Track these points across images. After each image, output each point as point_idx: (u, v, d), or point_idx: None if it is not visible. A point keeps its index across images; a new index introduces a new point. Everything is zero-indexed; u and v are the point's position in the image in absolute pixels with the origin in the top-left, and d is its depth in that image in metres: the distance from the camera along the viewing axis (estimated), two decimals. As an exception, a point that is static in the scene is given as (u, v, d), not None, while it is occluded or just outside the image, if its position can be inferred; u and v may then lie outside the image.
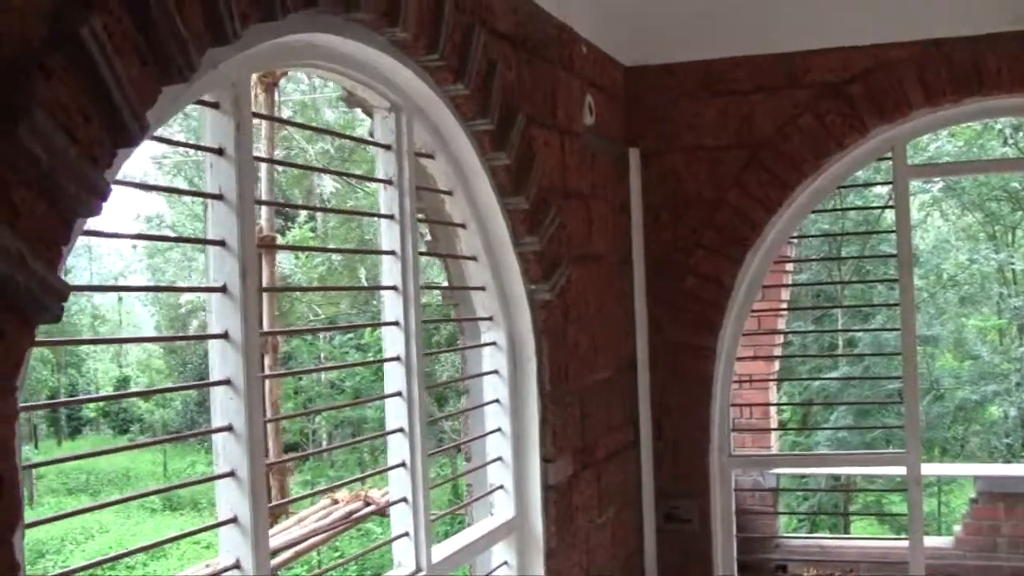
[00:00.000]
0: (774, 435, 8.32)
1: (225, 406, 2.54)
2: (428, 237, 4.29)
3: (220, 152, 2.53)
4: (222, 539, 2.54)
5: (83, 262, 48.15)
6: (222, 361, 2.55)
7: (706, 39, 5.21)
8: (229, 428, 2.53)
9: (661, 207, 5.40)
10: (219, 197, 2.53)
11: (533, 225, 4.03)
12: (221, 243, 2.53)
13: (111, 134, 1.88)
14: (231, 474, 2.53)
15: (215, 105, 2.51)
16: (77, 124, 1.79)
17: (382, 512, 5.39)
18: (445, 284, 4.30)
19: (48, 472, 34.03)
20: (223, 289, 2.53)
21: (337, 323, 24.68)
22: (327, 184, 24.48)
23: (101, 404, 40.82)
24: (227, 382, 2.53)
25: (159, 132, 2.31)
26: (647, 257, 5.40)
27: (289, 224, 27.32)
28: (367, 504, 5.20)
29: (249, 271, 2.54)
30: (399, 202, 3.44)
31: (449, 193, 3.93)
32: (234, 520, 2.52)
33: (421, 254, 3.58)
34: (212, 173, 2.55)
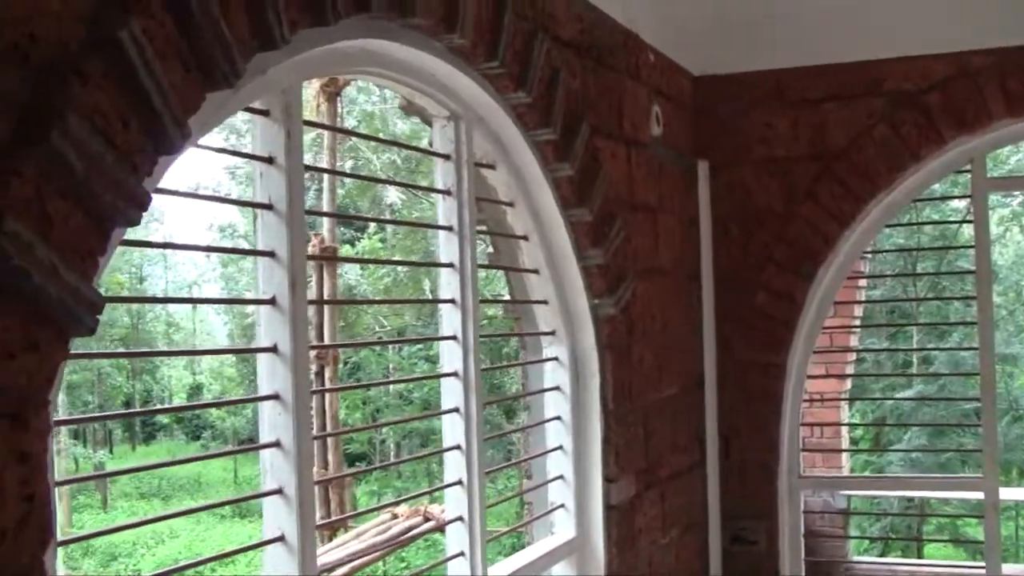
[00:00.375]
0: (845, 455, 8.09)
1: (273, 421, 2.47)
2: (490, 249, 4.21)
3: (270, 161, 2.46)
4: (268, 558, 2.46)
5: (159, 270, 49.04)
6: (270, 375, 2.48)
7: (777, 47, 5.06)
8: (277, 444, 2.46)
9: (730, 220, 5.26)
10: (268, 207, 2.46)
11: (597, 238, 3.93)
12: (271, 254, 2.46)
13: (152, 141, 1.81)
14: (279, 491, 2.45)
15: (265, 113, 2.44)
16: (115, 130, 1.72)
17: (441, 528, 5.31)
18: (505, 297, 4.20)
19: (122, 477, 34.59)
20: (272, 301, 2.46)
21: (404, 335, 24.77)
22: (391, 195, 24.52)
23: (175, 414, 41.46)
24: (275, 397, 2.46)
25: (209, 140, 2.24)
26: (716, 272, 5.26)
27: (359, 235, 27.47)
28: (427, 519, 5.12)
29: (298, 282, 2.47)
30: (458, 213, 3.36)
31: (511, 204, 3.84)
32: (281, 539, 2.44)
33: (480, 266, 3.49)
34: (262, 182, 2.48)
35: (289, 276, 2.45)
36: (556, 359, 4.08)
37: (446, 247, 3.39)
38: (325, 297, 9.89)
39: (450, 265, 3.37)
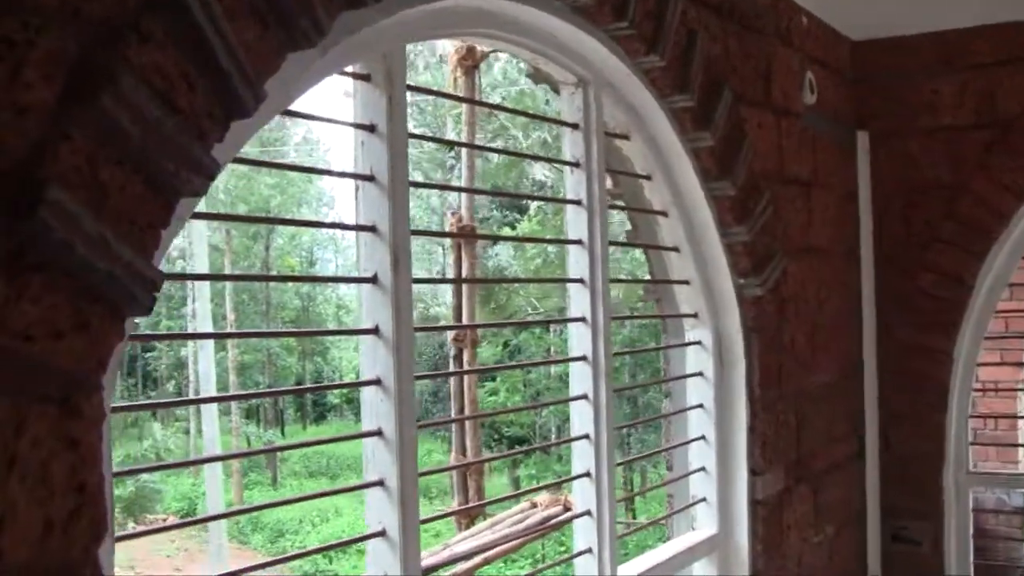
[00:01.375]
0: (1022, 450, 7.52)
1: (375, 408, 2.32)
2: (628, 226, 3.99)
3: (371, 129, 2.30)
4: (370, 553, 2.32)
5: (329, 254, 50.33)
6: (372, 358, 2.32)
7: (942, 7, 4.62)
8: (378, 433, 2.31)
9: (893, 195, 4.87)
10: (370, 178, 2.30)
11: (742, 213, 3.65)
12: (371, 229, 2.30)
13: (221, 104, 1.67)
14: (379, 483, 2.30)
15: (366, 77, 2.28)
16: (178, 93, 1.58)
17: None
18: (634, 277, 3.97)
19: (292, 455, 35.55)
20: (373, 279, 2.31)
21: (556, 316, 24.59)
22: (538, 172, 24.22)
23: (344, 392, 42.53)
24: (376, 382, 2.31)
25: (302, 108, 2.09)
26: (876, 251, 4.88)
27: (519, 217, 27.40)
28: (566, 509, 4.92)
29: (401, 260, 2.31)
30: (587, 186, 3.15)
31: (647, 177, 3.60)
32: (382, 533, 2.29)
33: (612, 243, 3.27)
34: (363, 152, 2.32)
35: (391, 252, 2.29)
36: (699, 343, 3.84)
37: (574, 223, 3.19)
38: (464, 276, 9.74)
39: (578, 242, 3.16)
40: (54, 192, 1.39)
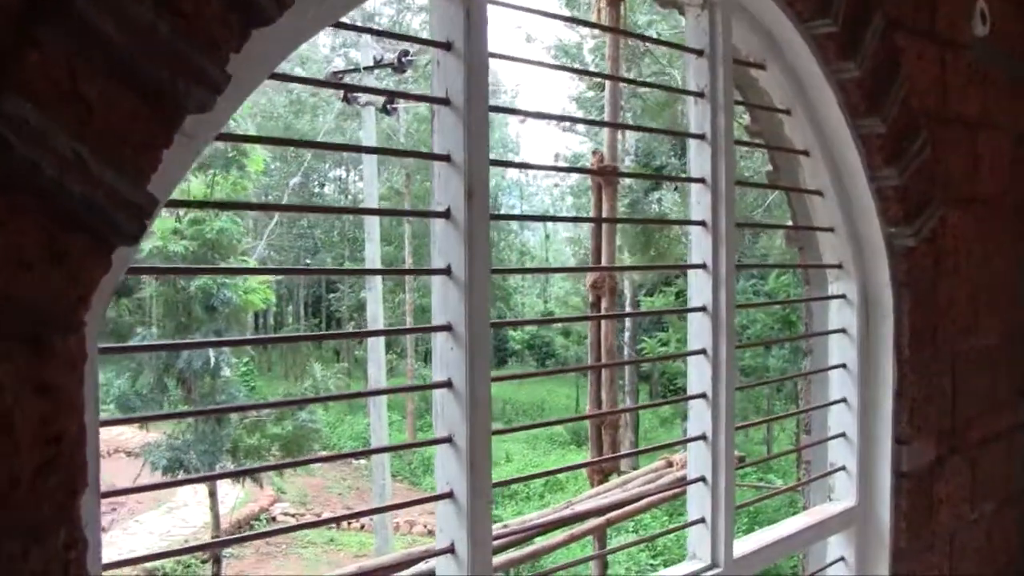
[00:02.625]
0: None
1: (445, 357, 2.11)
2: (768, 167, 3.65)
3: (448, 47, 2.07)
4: (439, 518, 2.12)
5: (513, 200, 50.64)
6: (443, 303, 2.11)
7: None
8: (448, 384, 2.10)
9: (1079, 138, 4.35)
10: (445, 101, 2.08)
11: (893, 154, 3.27)
12: (446, 158, 2.08)
13: (238, 10, 1.47)
14: (448, 440, 2.10)
15: (439, -12, 2.05)
16: (181, -6, 1.39)
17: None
18: (764, 222, 3.63)
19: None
20: (446, 214, 2.09)
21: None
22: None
23: (526, 337, 42.77)
24: (447, 328, 2.10)
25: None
26: (1057, 200, 4.38)
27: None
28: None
29: (477, 192, 2.08)
30: (711, 119, 2.85)
31: (787, 112, 3.27)
32: (450, 495, 2.09)
33: (739, 183, 2.96)
34: (438, 73, 2.10)
35: (466, 184, 2.06)
36: (843, 296, 3.49)
37: (697, 160, 2.89)
38: (605, 216, 9.19)
39: (701, 180, 2.87)
40: (13, 104, 1.22)
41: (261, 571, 20.07)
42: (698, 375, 2.90)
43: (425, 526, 23.34)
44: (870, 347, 3.47)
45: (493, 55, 2.12)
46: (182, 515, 22.04)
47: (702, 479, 2.88)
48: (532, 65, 2.52)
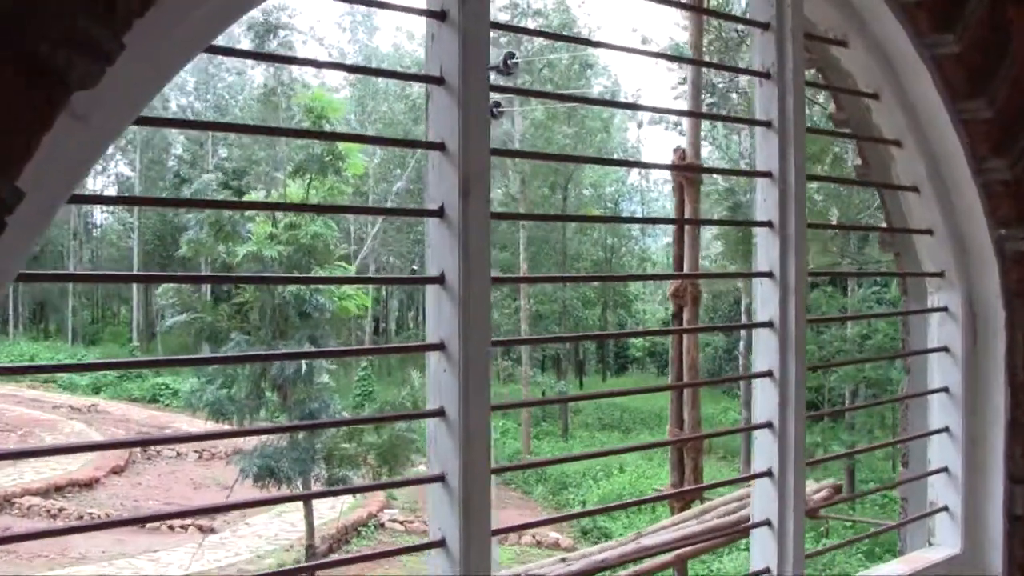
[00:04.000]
0: None
1: (438, 381, 1.74)
2: (857, 160, 3.20)
3: (442, 17, 1.73)
4: (429, 567, 1.77)
5: (635, 206, 50.34)
6: (436, 318, 1.75)
7: None
8: (440, 413, 1.73)
9: None
10: (438, 80, 1.72)
11: (1001, 143, 2.80)
12: (440, 147, 1.72)
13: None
14: (440, 478, 1.73)
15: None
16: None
17: (812, 512, 4.35)
18: (838, 223, 3.17)
19: (587, 407, 35.66)
20: (440, 213, 1.72)
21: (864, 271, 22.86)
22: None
23: (646, 343, 42.19)
24: (440, 347, 1.73)
25: None
26: None
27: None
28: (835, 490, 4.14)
29: (475, 187, 1.71)
30: (778, 103, 2.42)
31: (874, 96, 2.82)
32: (441, 543, 1.72)
33: (811, 178, 2.53)
34: (433, 48, 1.74)
35: (461, 177, 1.74)
36: (945, 309, 3.02)
37: (763, 150, 2.47)
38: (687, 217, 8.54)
39: (767, 174, 2.44)
40: None
41: (359, 577, 19.98)
42: (763, 400, 2.48)
43: (534, 536, 22.97)
44: (977, 368, 3.01)
45: (495, 25, 1.76)
46: (291, 519, 22.03)
47: (767, 523, 2.45)
48: (538, 36, 2.15)
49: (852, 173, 3.34)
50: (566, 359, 41.16)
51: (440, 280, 1.77)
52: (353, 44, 50.21)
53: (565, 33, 35.40)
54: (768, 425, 2.45)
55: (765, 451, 2.47)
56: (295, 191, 13.65)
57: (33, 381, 36.28)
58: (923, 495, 3.08)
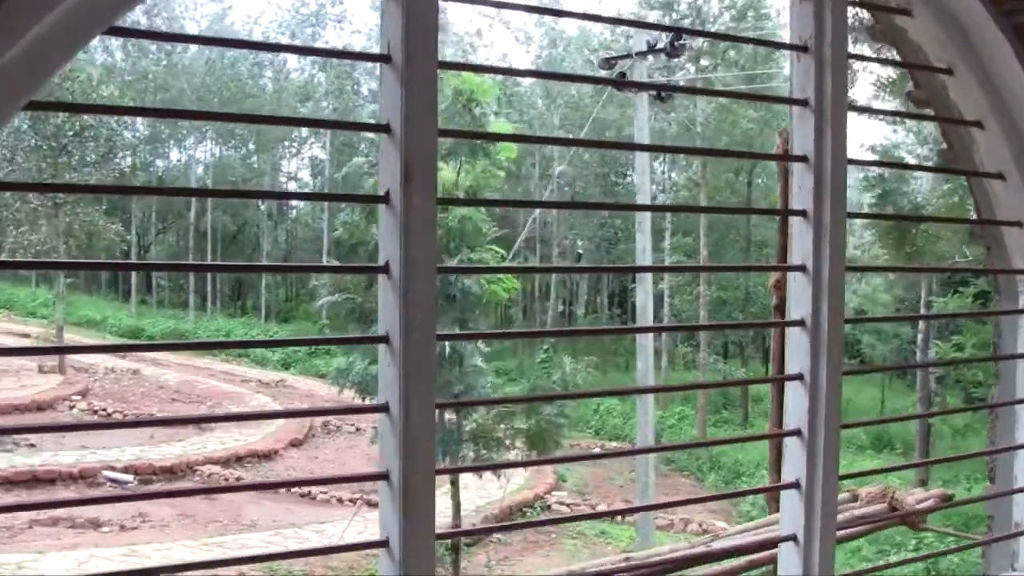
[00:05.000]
0: None
1: (384, 375, 1.62)
2: (943, 144, 2.91)
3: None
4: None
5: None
6: (383, 310, 1.63)
7: None
8: (384, 408, 1.61)
9: None
10: (385, 59, 1.61)
11: (1098, 123, 2.48)
12: (386, 129, 1.59)
13: None
14: (384, 476, 1.61)
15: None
16: None
17: (912, 521, 4.01)
18: (877, 211, 2.88)
19: (766, 395, 34.95)
20: (385, 199, 1.60)
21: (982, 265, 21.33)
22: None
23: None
24: (384, 339, 1.61)
25: None
26: None
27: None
28: (892, 508, 3.84)
29: (416, 173, 1.58)
30: (816, 79, 2.20)
31: (948, 71, 2.54)
32: (385, 543, 1.60)
33: (851, 162, 2.28)
34: (383, 25, 1.62)
35: (402, 160, 1.62)
36: (1037, 310, 2.72)
37: (799, 131, 2.25)
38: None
39: (803, 159, 2.22)
40: None
41: (527, 560, 20.01)
42: (793, 406, 2.26)
43: (700, 524, 22.58)
44: (1075, 376, 2.69)
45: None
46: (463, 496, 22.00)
47: (792, 538, 2.24)
48: (497, 7, 1.97)
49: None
50: (753, 344, 40.09)
51: (385, 270, 1.66)
52: (539, 27, 50.29)
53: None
54: (797, 433, 2.24)
55: (794, 460, 2.25)
56: (447, 174, 13.68)
57: (228, 355, 37.84)
58: (1009, 513, 2.79)
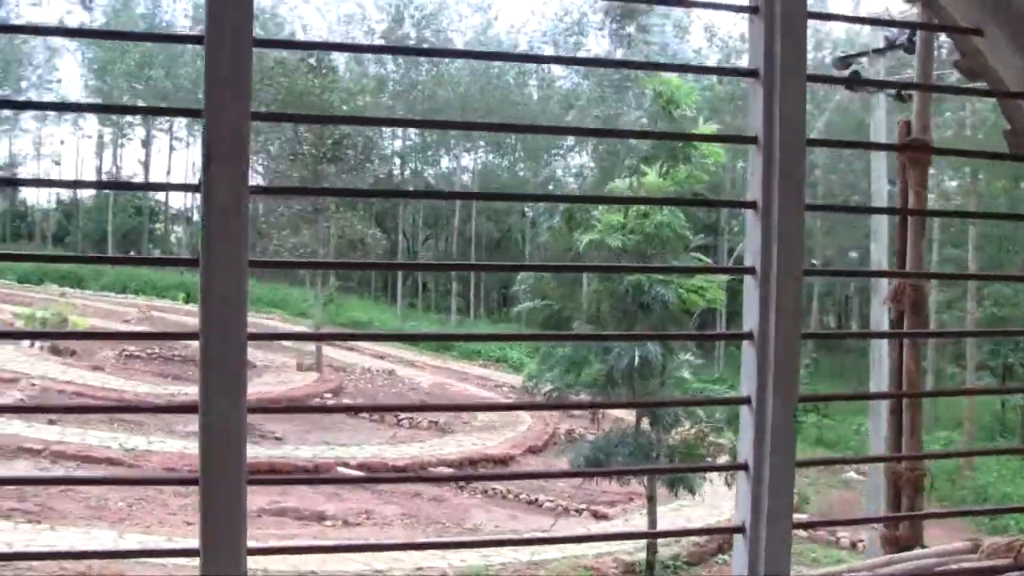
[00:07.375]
0: None
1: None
2: (1006, 125, 2.44)
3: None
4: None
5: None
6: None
7: None
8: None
9: None
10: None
11: None
12: (196, 113, 1.40)
13: None
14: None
15: None
16: None
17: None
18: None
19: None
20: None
21: None
22: None
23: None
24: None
25: None
26: None
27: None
28: (1018, 567, 3.24)
29: (219, 152, 1.39)
30: (765, 46, 1.84)
31: (977, 32, 2.11)
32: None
33: (814, 143, 1.90)
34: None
35: (206, 147, 1.42)
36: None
37: (752, 109, 1.89)
38: (910, 217, 6.63)
39: (752, 140, 1.87)
40: None
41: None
42: (742, 434, 1.91)
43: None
44: None
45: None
46: (695, 513, 21.14)
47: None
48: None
49: None
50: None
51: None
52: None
53: None
54: (744, 467, 1.88)
55: (741, 499, 1.90)
56: (651, 179, 13.39)
57: (485, 360, 38.37)
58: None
